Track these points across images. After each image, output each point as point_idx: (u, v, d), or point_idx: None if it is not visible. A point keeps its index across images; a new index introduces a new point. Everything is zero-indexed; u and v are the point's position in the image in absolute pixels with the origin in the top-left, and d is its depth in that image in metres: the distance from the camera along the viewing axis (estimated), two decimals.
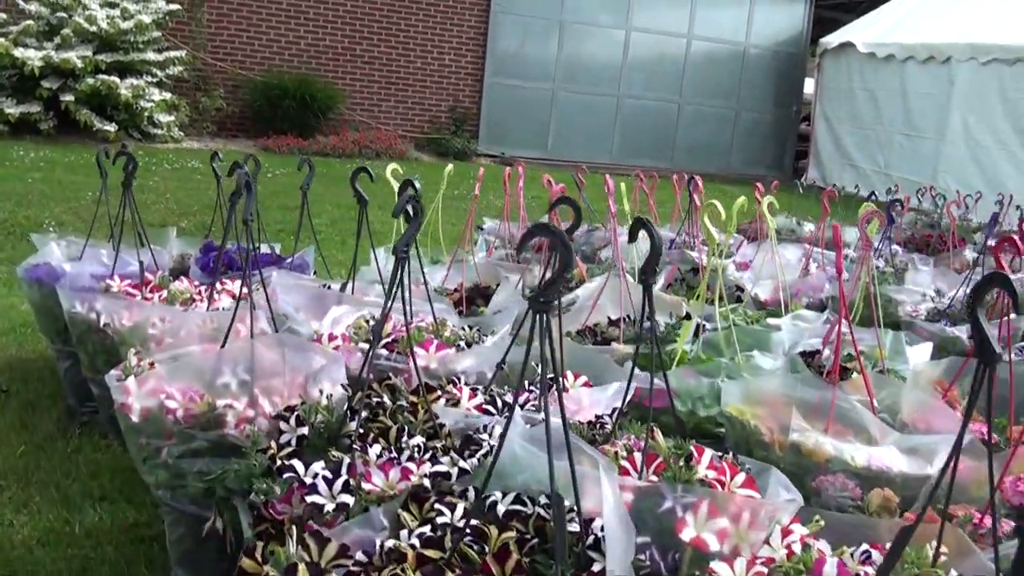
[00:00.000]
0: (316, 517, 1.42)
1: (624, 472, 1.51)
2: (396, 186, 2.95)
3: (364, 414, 1.70)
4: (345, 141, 10.80)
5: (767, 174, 12.29)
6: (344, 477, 1.47)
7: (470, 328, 2.42)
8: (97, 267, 2.88)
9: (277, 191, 7.15)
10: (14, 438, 2.71)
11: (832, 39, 12.79)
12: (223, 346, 1.99)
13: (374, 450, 1.58)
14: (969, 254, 4.76)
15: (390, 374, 2.00)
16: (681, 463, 1.53)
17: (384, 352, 2.15)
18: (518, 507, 1.40)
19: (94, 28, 9.33)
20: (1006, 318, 2.74)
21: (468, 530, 1.32)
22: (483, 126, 12.49)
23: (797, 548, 1.42)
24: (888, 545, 1.52)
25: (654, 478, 1.51)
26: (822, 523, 1.51)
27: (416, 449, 1.61)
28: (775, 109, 14.09)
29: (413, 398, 1.83)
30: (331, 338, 2.22)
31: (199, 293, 2.63)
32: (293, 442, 1.67)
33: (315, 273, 3.21)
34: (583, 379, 2.09)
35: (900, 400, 2.27)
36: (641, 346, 2.59)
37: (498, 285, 3.10)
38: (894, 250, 4.45)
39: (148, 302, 2.55)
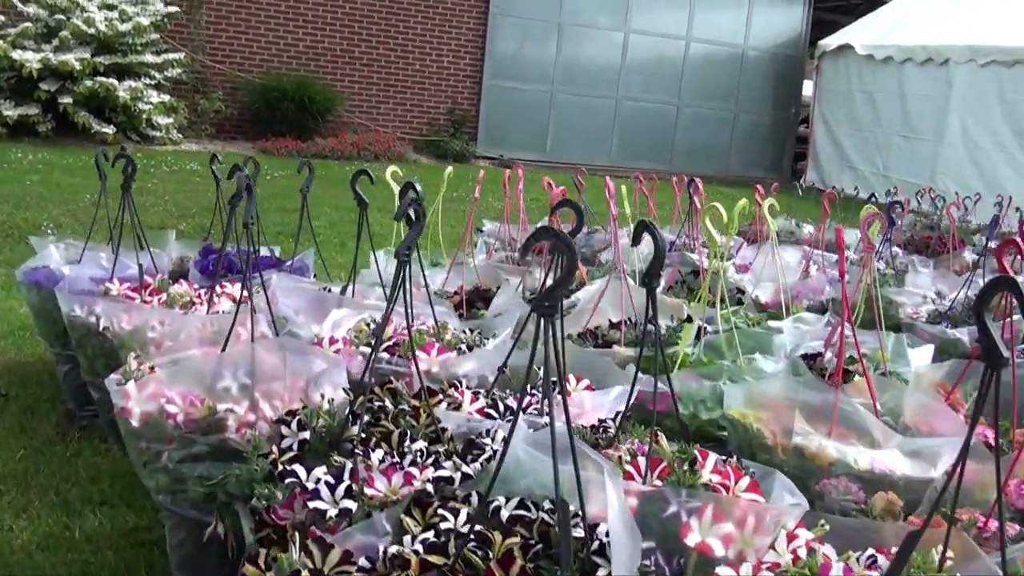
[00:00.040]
0: (318, 523, 1.41)
1: (628, 477, 1.50)
2: (396, 189, 2.95)
3: (366, 418, 1.69)
4: (344, 143, 10.79)
5: (766, 176, 12.30)
6: (347, 482, 1.46)
7: (471, 331, 2.41)
8: (96, 270, 2.87)
9: (276, 193, 7.14)
10: (13, 442, 2.70)
11: (831, 41, 12.80)
12: (224, 350, 1.98)
13: (376, 455, 1.57)
14: (969, 256, 4.75)
15: (391, 378, 1.99)
16: (685, 467, 1.52)
17: (385, 356, 2.14)
18: (522, 512, 1.39)
19: (92, 30, 9.32)
20: (1008, 320, 2.74)
21: (472, 535, 1.31)
22: (482, 128, 12.48)
23: (803, 553, 1.41)
24: (894, 550, 1.51)
25: (658, 483, 1.50)
26: (827, 527, 1.50)
27: (419, 454, 1.60)
28: (774, 111, 14.10)
29: (415, 402, 1.82)
30: (332, 342, 2.21)
31: (199, 296, 2.62)
32: (295, 447, 1.66)
33: (315, 276, 3.20)
34: (585, 382, 2.08)
35: (902, 403, 2.27)
36: (643, 349, 2.60)
37: (498, 288, 3.09)
38: (894, 252, 4.45)
39: (148, 305, 2.54)
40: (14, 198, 6.23)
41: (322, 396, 1.81)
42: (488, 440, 1.66)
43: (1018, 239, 2.23)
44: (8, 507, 2.35)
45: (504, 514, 1.39)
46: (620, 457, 1.55)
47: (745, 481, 1.53)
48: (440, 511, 1.39)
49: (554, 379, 1.42)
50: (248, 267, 2.00)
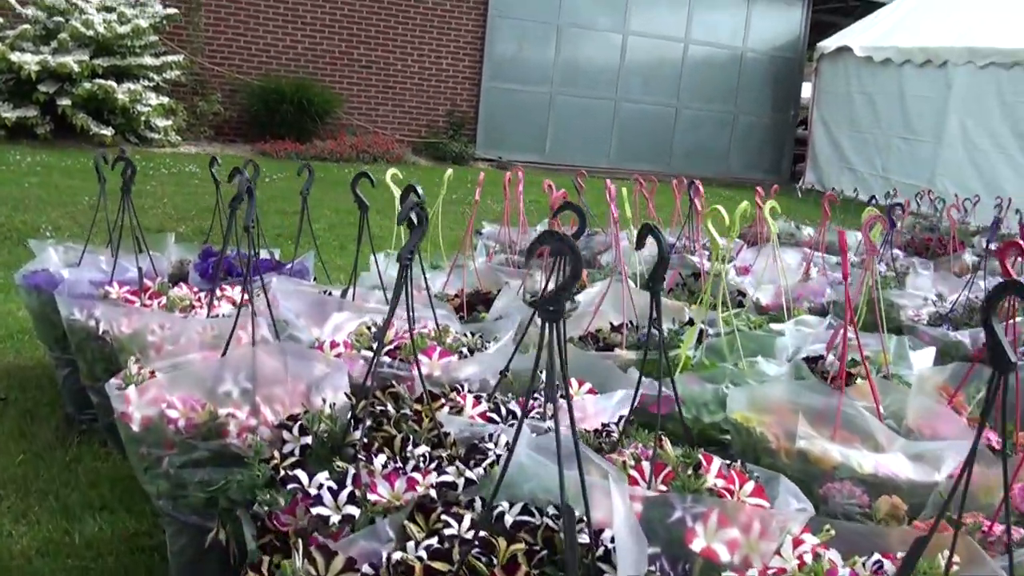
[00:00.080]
0: (321, 529, 1.40)
1: (632, 481, 1.49)
2: (396, 191, 2.94)
3: (368, 423, 1.68)
4: (343, 145, 10.78)
5: (764, 178, 12.31)
6: (349, 488, 1.45)
7: (472, 335, 2.40)
8: (96, 273, 2.86)
9: (275, 195, 7.13)
10: (12, 447, 2.69)
11: (829, 43, 12.81)
12: (224, 354, 1.97)
13: (379, 460, 1.56)
14: (969, 258, 4.75)
15: (393, 382, 1.98)
16: (690, 472, 1.52)
17: (387, 359, 2.13)
18: (526, 518, 1.38)
19: (91, 32, 9.30)
20: (1011, 321, 2.73)
21: (476, 542, 1.30)
22: (480, 130, 12.48)
23: (808, 558, 1.40)
24: (899, 555, 1.51)
25: (663, 487, 1.49)
26: (832, 532, 1.49)
27: (421, 459, 1.59)
28: (773, 113, 14.10)
29: (417, 406, 1.81)
30: (333, 345, 2.20)
31: (198, 300, 2.61)
32: (296, 452, 1.65)
33: (315, 279, 3.19)
34: (587, 386, 2.08)
35: (906, 406, 2.26)
36: (647, 352, 2.58)
37: (499, 291, 3.08)
38: (895, 254, 4.44)
39: (147, 309, 2.53)
40: (12, 200, 6.22)
41: (324, 401, 1.80)
42: (491, 445, 1.65)
43: (1020, 241, 2.22)
44: (8, 512, 2.33)
45: (508, 520, 1.38)
46: (624, 462, 1.54)
47: (750, 486, 1.53)
48: (444, 517, 1.38)
49: (558, 383, 1.41)
50: (249, 271, 1.99)
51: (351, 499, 1.44)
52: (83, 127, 9.21)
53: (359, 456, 1.57)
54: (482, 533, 1.31)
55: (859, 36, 12.44)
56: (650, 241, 3.78)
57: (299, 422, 1.71)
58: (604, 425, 1.83)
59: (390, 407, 1.83)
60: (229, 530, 1.64)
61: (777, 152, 14.28)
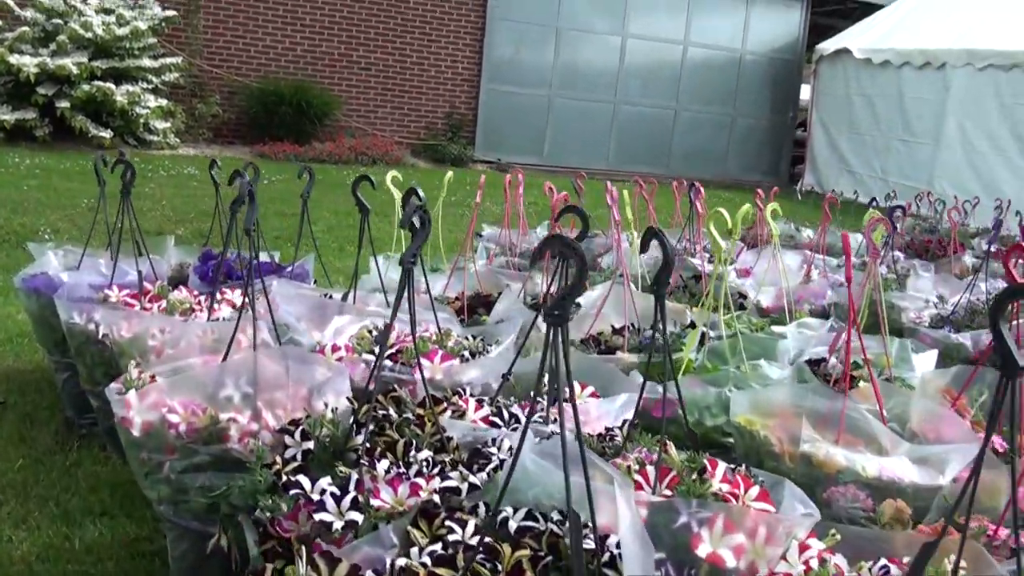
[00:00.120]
0: (324, 535, 1.39)
1: (637, 486, 1.48)
2: (397, 194, 2.93)
3: (370, 427, 1.67)
4: (341, 148, 10.78)
5: (763, 180, 12.31)
6: (352, 493, 1.44)
7: (474, 338, 2.39)
8: (95, 277, 2.84)
9: (273, 198, 7.12)
10: (12, 451, 2.67)
11: (828, 45, 12.81)
12: (225, 358, 1.96)
13: (382, 465, 1.55)
14: (969, 259, 4.75)
15: (395, 386, 1.97)
16: (695, 476, 1.51)
17: (388, 363, 2.12)
18: (530, 523, 1.37)
19: (90, 34, 9.30)
20: (1015, 323, 2.73)
21: (480, 548, 1.29)
22: (479, 132, 12.48)
23: (815, 564, 1.39)
24: (906, 559, 1.50)
25: (668, 492, 1.48)
26: (838, 537, 1.48)
27: (424, 463, 1.58)
28: (771, 115, 14.11)
29: (419, 410, 1.80)
30: (334, 349, 2.19)
31: (198, 303, 2.60)
32: (298, 457, 1.64)
33: (315, 282, 3.18)
34: (590, 389, 2.07)
35: (909, 409, 2.25)
36: (647, 355, 2.58)
37: (499, 293, 3.07)
38: (895, 256, 4.43)
39: (147, 312, 2.52)
40: (11, 203, 6.21)
41: (325, 405, 1.79)
42: (494, 449, 1.64)
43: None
44: (7, 518, 2.32)
45: (512, 525, 1.37)
46: (628, 467, 1.53)
47: (755, 490, 1.52)
48: (447, 523, 1.37)
49: (564, 387, 1.40)
50: (251, 274, 1.98)
51: (354, 505, 1.43)
52: (82, 129, 9.20)
53: (362, 461, 1.56)
54: (486, 539, 1.30)
55: (858, 38, 12.45)
56: (652, 243, 3.75)
57: (301, 427, 1.71)
58: (608, 429, 1.82)
59: (392, 411, 1.82)
60: (231, 536, 1.63)
61: (776, 154, 14.29)
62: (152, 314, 2.50)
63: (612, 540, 1.32)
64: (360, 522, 1.41)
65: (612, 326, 2.81)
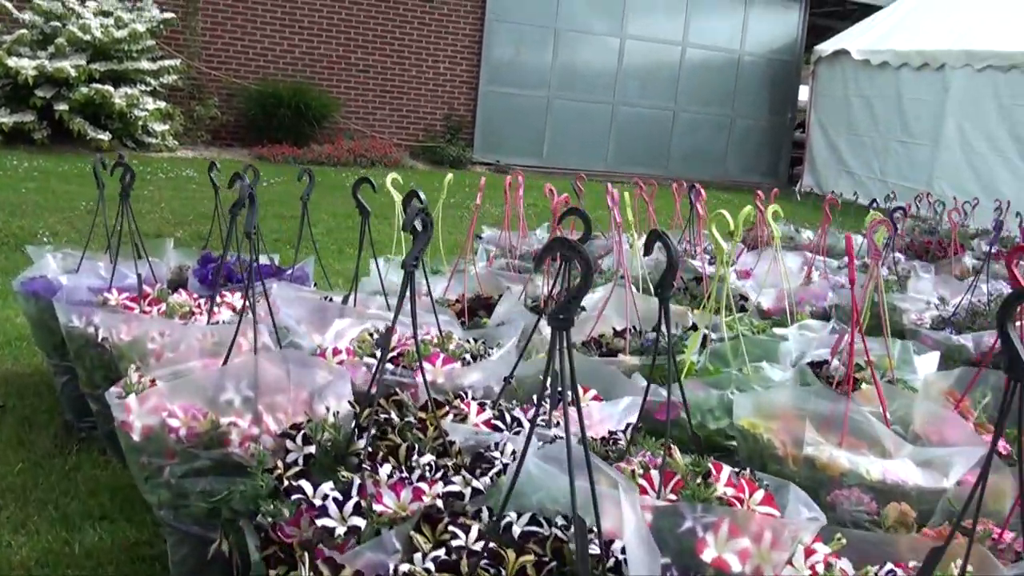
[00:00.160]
0: (326, 540, 1.38)
1: (641, 491, 1.47)
2: (397, 197, 2.92)
3: (372, 431, 1.66)
4: (340, 150, 10.77)
5: (762, 181, 12.30)
6: (355, 499, 1.43)
7: (475, 341, 2.38)
8: (94, 280, 2.83)
9: (272, 200, 7.11)
10: (11, 455, 2.66)
11: (826, 46, 12.82)
12: (226, 361, 1.95)
13: (384, 469, 1.54)
14: (969, 260, 4.74)
15: (396, 389, 1.96)
16: (699, 480, 1.50)
17: (390, 367, 2.11)
18: (534, 528, 1.36)
19: (88, 37, 9.29)
20: (1019, 323, 2.71)
21: (484, 553, 1.28)
22: (478, 134, 12.47)
23: (820, 568, 1.38)
24: (911, 564, 1.49)
25: (672, 496, 1.47)
26: (844, 541, 1.48)
27: (427, 468, 1.57)
28: (770, 116, 14.11)
29: (421, 414, 1.79)
30: (335, 352, 2.18)
31: (198, 306, 2.59)
32: (300, 461, 1.63)
33: (315, 284, 3.17)
34: (592, 392, 2.06)
35: (912, 411, 2.24)
36: (649, 357, 2.57)
37: (500, 296, 3.06)
38: (896, 258, 4.43)
39: (147, 316, 2.51)
40: (10, 206, 6.19)
41: (327, 409, 1.78)
42: (497, 453, 1.63)
43: None
44: (7, 522, 2.31)
45: (516, 530, 1.36)
46: (633, 471, 1.52)
47: (760, 494, 1.51)
48: (451, 528, 1.36)
49: (568, 391, 1.39)
50: (252, 277, 1.97)
51: (357, 510, 1.42)
52: (80, 132, 9.19)
53: (364, 465, 1.55)
54: (490, 544, 1.29)
55: (856, 39, 12.45)
56: (653, 246, 3.73)
57: (302, 431, 1.69)
58: (611, 433, 1.81)
59: (394, 415, 1.81)
60: (232, 541, 1.62)
61: (774, 155, 14.29)
62: (152, 317, 2.49)
63: (617, 545, 1.31)
64: (363, 527, 1.39)
65: (613, 328, 2.80)
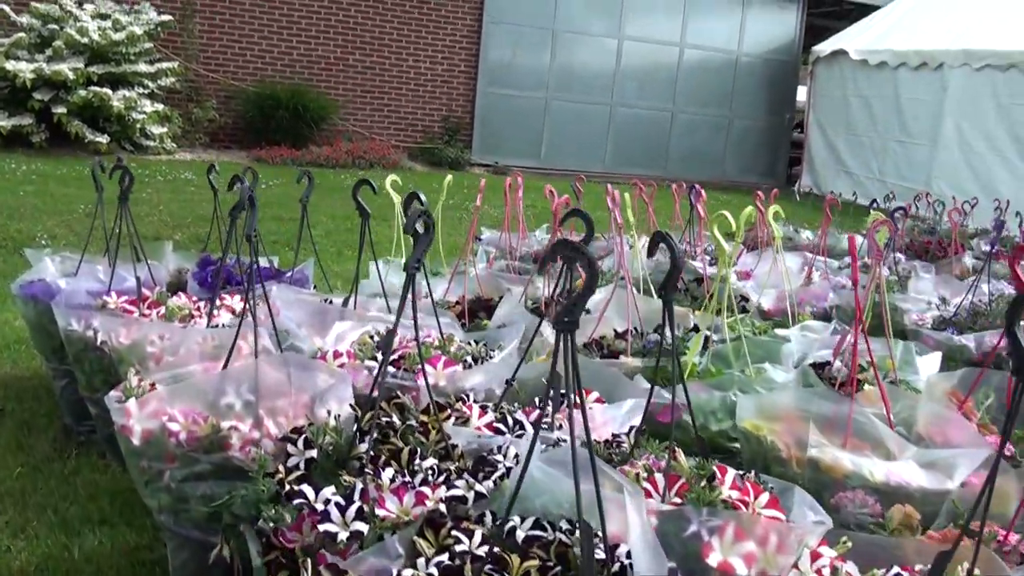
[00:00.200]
0: (329, 546, 1.37)
1: (646, 494, 1.46)
2: (397, 199, 2.91)
3: (374, 435, 1.65)
4: (338, 151, 10.76)
5: (760, 182, 12.29)
6: (357, 503, 1.42)
7: (476, 343, 2.37)
8: (93, 283, 2.82)
9: (270, 202, 7.10)
10: (10, 459, 2.65)
11: (824, 47, 12.81)
12: (226, 365, 1.94)
13: (387, 474, 1.53)
14: (969, 260, 4.73)
15: (398, 392, 1.95)
16: (704, 483, 1.49)
17: (391, 369, 2.09)
18: (538, 532, 1.35)
19: (86, 40, 9.27)
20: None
21: (488, 558, 1.27)
22: (476, 136, 12.46)
23: (827, 572, 1.37)
24: (918, 567, 1.48)
25: (677, 500, 1.46)
26: (849, 545, 1.47)
27: (430, 472, 1.56)
28: (768, 117, 14.11)
29: (423, 417, 1.78)
30: (336, 355, 2.17)
31: (198, 309, 2.58)
32: (301, 465, 1.62)
33: (315, 287, 3.15)
34: (595, 395, 2.05)
35: (915, 412, 2.23)
36: (651, 359, 2.56)
37: (500, 297, 3.05)
38: (896, 258, 4.42)
39: (146, 319, 2.49)
40: (8, 209, 6.18)
41: (328, 413, 1.77)
42: (500, 457, 1.62)
43: None
44: (6, 527, 2.29)
45: (520, 535, 1.35)
46: (637, 474, 1.51)
47: (765, 497, 1.50)
48: (454, 532, 1.35)
49: (573, 395, 1.37)
50: (252, 281, 1.96)
51: (359, 515, 1.41)
52: (78, 135, 9.18)
53: (366, 470, 1.54)
54: (494, 549, 1.28)
55: (854, 39, 12.45)
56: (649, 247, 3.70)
57: (304, 435, 1.68)
58: (615, 436, 1.80)
59: (395, 419, 1.80)
60: (233, 546, 1.61)
61: (772, 156, 14.29)
62: (151, 321, 2.47)
63: (622, 550, 1.30)
64: (366, 533, 1.38)
65: (615, 330, 2.79)
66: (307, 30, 11.45)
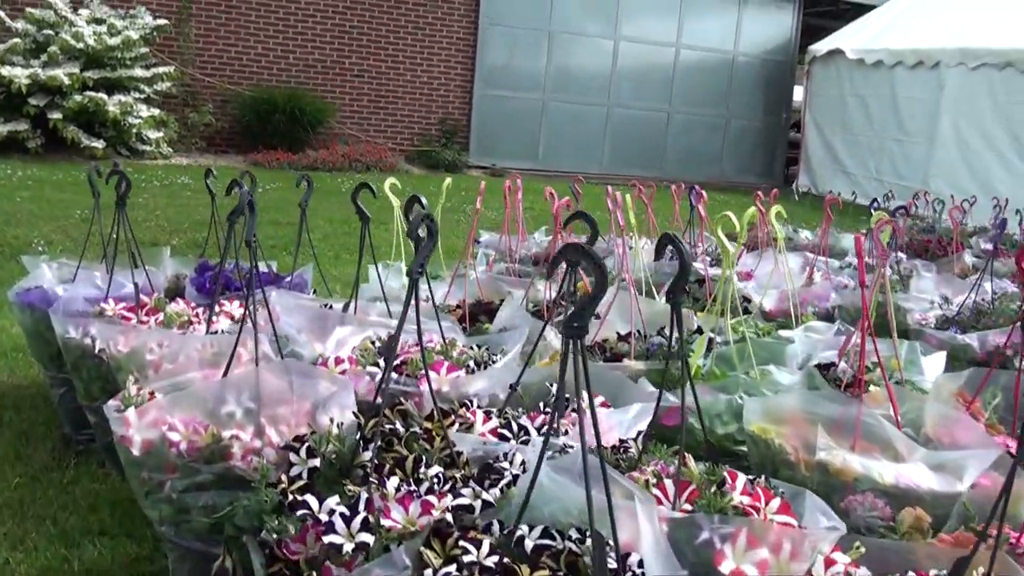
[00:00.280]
0: (334, 558, 1.34)
1: (656, 501, 1.44)
2: (396, 202, 2.89)
3: (377, 443, 1.62)
4: (335, 155, 10.74)
5: (757, 182, 12.28)
6: (363, 514, 1.39)
7: (478, 347, 2.35)
8: (91, 290, 2.79)
9: (268, 206, 7.07)
10: (8, 470, 2.62)
11: (821, 46, 12.81)
12: (226, 372, 1.91)
13: (392, 482, 1.50)
14: (969, 258, 4.72)
15: (401, 398, 1.92)
16: (714, 489, 1.46)
17: (393, 375, 2.07)
18: (547, 541, 1.33)
19: (81, 45, 9.24)
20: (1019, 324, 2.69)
21: (496, 568, 1.25)
22: (473, 138, 12.44)
23: None
24: (932, 572, 1.46)
25: (687, 507, 1.44)
26: (863, 550, 1.44)
27: (435, 480, 1.53)
28: (765, 117, 14.10)
29: (427, 424, 1.75)
30: (338, 362, 2.14)
31: (196, 315, 2.55)
32: (304, 475, 1.59)
33: (314, 292, 3.13)
34: (600, 399, 2.02)
35: (922, 413, 2.21)
36: (655, 362, 2.53)
37: (501, 300, 3.02)
38: (898, 257, 4.41)
39: (144, 326, 2.46)
40: (4, 215, 6.15)
41: (330, 420, 1.74)
42: (506, 464, 1.59)
43: None
44: (4, 539, 2.26)
45: (528, 544, 1.32)
46: (646, 481, 1.49)
47: (776, 503, 1.48)
48: (461, 543, 1.32)
49: (574, 399, 1.36)
50: (252, 286, 1.93)
51: (364, 525, 1.38)
52: (74, 140, 9.14)
53: (371, 479, 1.51)
54: (503, 559, 1.26)
55: (850, 39, 12.45)
56: (652, 248, 3.71)
57: (306, 443, 1.66)
58: (622, 441, 1.78)
59: (399, 425, 1.77)
60: (235, 558, 1.58)
61: (769, 155, 14.29)
62: (149, 328, 2.45)
63: (633, 559, 1.28)
64: (371, 544, 1.36)
65: (617, 333, 2.77)
66: (303, 34, 11.43)
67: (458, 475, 1.57)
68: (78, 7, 9.83)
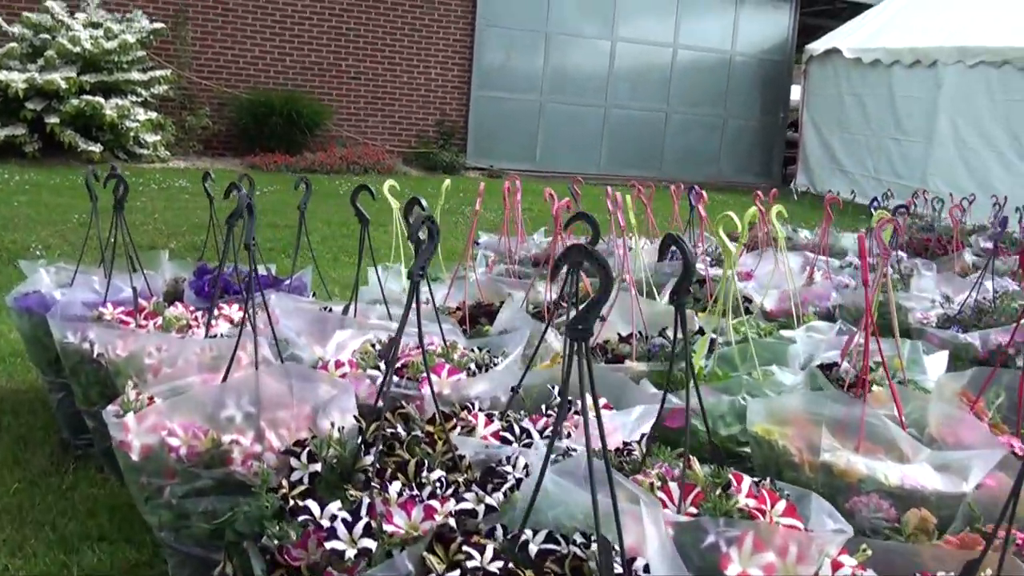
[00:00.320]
0: (336, 564, 1.33)
1: (661, 504, 1.42)
2: (395, 204, 2.88)
3: (379, 447, 1.61)
4: (333, 157, 10.72)
5: (755, 181, 12.28)
6: (364, 519, 1.38)
7: (479, 349, 2.33)
8: (89, 294, 2.77)
9: (266, 209, 7.06)
10: (7, 475, 2.60)
11: (818, 46, 12.81)
12: (226, 376, 1.90)
13: (394, 487, 1.49)
14: (969, 257, 4.71)
15: (402, 402, 1.91)
16: (719, 492, 1.45)
17: (394, 378, 2.05)
18: (551, 546, 1.31)
19: (78, 49, 9.22)
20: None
21: (500, 574, 1.23)
22: (471, 139, 12.44)
23: None
24: (939, 574, 1.45)
25: (693, 510, 1.42)
26: (869, 552, 1.43)
27: (437, 484, 1.52)
28: (762, 116, 14.10)
29: (429, 427, 1.74)
30: (338, 365, 2.13)
31: (195, 319, 2.54)
32: (305, 480, 1.58)
33: (314, 294, 3.11)
34: (602, 401, 2.01)
35: (926, 413, 2.20)
36: (656, 363, 2.52)
37: (501, 302, 3.01)
38: (899, 256, 4.40)
39: (143, 330, 2.45)
40: (1, 219, 6.14)
41: (331, 424, 1.73)
42: (509, 467, 1.58)
43: None
44: (3, 545, 2.25)
45: (533, 549, 1.31)
46: (651, 484, 1.47)
47: (782, 505, 1.46)
48: (465, 548, 1.31)
49: (576, 401, 1.34)
50: (251, 289, 1.92)
51: (367, 531, 1.36)
52: (71, 144, 9.13)
53: (372, 483, 1.50)
54: (508, 564, 1.25)
55: (847, 38, 12.45)
56: (652, 248, 3.69)
57: (307, 448, 1.64)
58: (625, 444, 1.76)
59: (400, 429, 1.76)
60: (236, 563, 1.56)
61: (767, 155, 14.29)
62: (148, 332, 2.43)
63: (639, 563, 1.26)
64: (374, 549, 1.34)
65: (619, 334, 2.75)
66: (300, 36, 11.41)
67: (461, 479, 1.56)
68: (75, 11, 9.81)
